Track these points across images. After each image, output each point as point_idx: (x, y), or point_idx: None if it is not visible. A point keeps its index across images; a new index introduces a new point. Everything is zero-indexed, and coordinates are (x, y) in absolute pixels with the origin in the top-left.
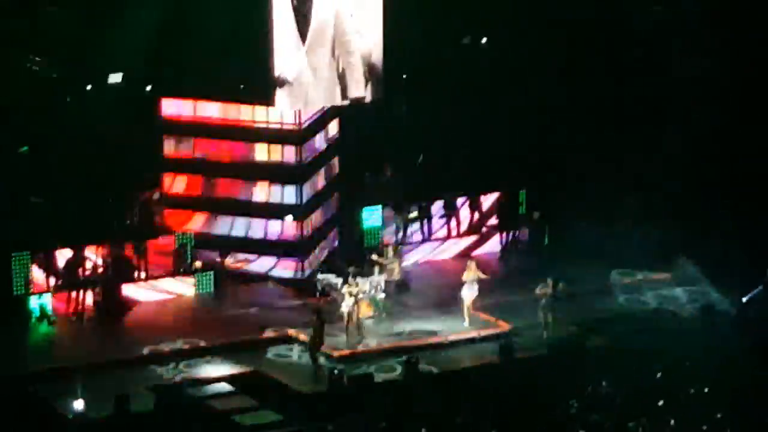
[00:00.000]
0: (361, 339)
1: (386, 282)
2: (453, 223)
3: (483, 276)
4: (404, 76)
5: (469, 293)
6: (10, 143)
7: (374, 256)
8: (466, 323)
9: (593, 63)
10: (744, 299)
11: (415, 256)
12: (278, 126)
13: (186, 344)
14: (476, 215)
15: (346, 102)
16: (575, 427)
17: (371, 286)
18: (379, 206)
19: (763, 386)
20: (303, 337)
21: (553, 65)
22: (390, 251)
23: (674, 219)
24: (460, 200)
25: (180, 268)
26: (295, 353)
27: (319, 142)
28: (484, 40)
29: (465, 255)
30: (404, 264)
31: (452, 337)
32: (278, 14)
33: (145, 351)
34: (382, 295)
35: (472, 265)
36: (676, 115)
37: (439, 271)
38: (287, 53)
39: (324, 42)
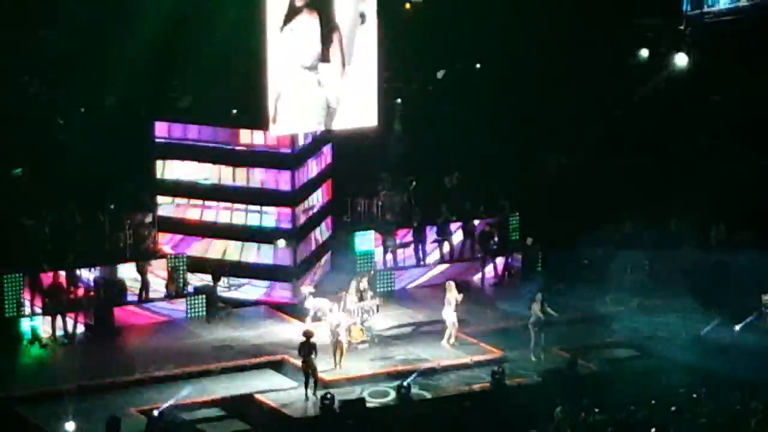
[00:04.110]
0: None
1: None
2: (446, 248)
3: (459, 297)
4: (398, 101)
5: (451, 314)
6: (3, 165)
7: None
8: (451, 343)
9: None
10: (737, 327)
11: (408, 280)
12: (273, 150)
13: (178, 368)
14: (469, 241)
15: (340, 127)
16: None
17: (363, 311)
18: (371, 231)
19: (754, 415)
20: (294, 362)
21: (547, 88)
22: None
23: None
24: (453, 225)
25: (173, 291)
26: (287, 378)
27: (313, 166)
28: (477, 65)
29: (458, 281)
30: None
31: (444, 363)
32: (272, 38)
33: (137, 374)
34: (373, 321)
35: (451, 285)
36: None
37: (431, 295)
38: (282, 78)
39: (319, 67)
